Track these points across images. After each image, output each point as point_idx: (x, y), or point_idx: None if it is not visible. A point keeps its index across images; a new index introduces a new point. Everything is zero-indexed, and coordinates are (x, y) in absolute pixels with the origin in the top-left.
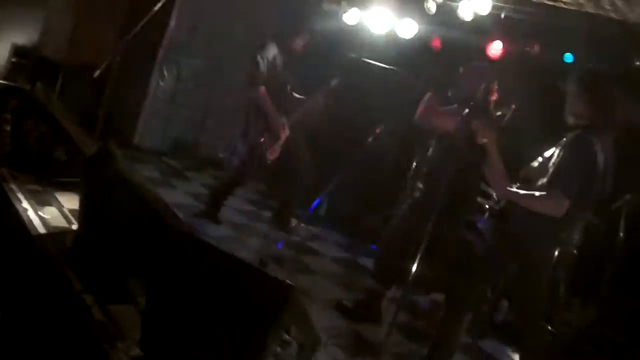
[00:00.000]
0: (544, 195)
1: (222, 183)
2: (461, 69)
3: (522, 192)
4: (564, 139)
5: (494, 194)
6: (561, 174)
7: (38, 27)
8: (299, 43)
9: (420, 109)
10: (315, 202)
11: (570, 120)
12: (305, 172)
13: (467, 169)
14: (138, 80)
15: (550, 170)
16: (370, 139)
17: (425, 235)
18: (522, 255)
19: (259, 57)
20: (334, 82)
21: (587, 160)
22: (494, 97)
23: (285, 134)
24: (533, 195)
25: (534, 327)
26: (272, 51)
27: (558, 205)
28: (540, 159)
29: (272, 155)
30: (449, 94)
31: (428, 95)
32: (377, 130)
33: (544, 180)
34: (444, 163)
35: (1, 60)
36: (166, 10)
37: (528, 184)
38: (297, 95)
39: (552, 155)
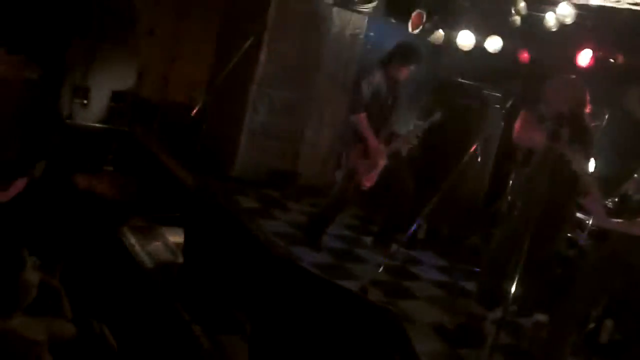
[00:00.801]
0: None
1: (322, 210)
2: (548, 84)
3: (620, 221)
4: None
5: None
6: None
7: (134, 71)
8: (404, 72)
9: (516, 127)
10: (413, 227)
11: None
12: (407, 198)
13: (564, 185)
14: (233, 115)
15: None
16: (465, 159)
17: (525, 254)
18: (626, 273)
19: (363, 83)
20: (435, 116)
21: None
22: (588, 109)
23: (383, 161)
24: (634, 223)
25: None
26: (377, 77)
27: None
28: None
29: (368, 182)
30: (543, 111)
31: (522, 113)
32: (473, 149)
33: None
34: (542, 180)
35: (102, 106)
36: (255, 45)
37: (627, 201)
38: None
39: None
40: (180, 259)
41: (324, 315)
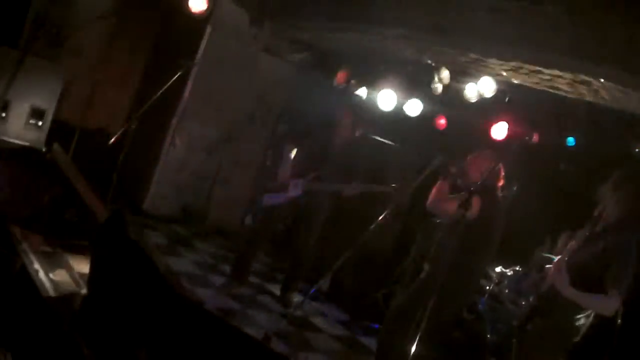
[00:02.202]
0: (604, 297)
1: (245, 246)
2: (469, 156)
3: (582, 293)
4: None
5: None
6: (618, 277)
7: (57, 90)
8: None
9: (431, 195)
10: (316, 286)
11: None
12: (307, 253)
13: (472, 251)
14: (151, 147)
15: (600, 268)
16: (375, 223)
17: (427, 316)
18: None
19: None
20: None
21: (636, 263)
22: (501, 181)
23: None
24: (592, 296)
25: None
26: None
27: (614, 306)
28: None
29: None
30: (458, 181)
31: (438, 182)
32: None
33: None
34: (451, 247)
35: (20, 121)
36: (182, 79)
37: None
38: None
39: (597, 252)
40: (84, 290)
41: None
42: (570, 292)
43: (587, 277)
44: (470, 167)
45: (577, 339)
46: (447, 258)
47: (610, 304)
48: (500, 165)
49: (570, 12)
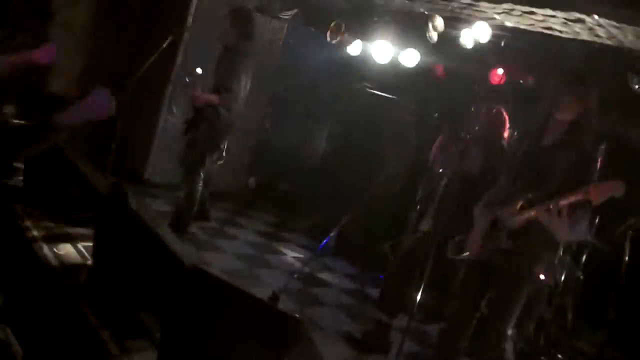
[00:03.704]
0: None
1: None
2: (473, 109)
3: None
4: None
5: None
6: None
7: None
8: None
9: (433, 151)
10: (325, 240)
11: None
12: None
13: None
14: (148, 115)
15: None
16: (379, 179)
17: (431, 265)
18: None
19: None
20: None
21: None
22: (505, 129)
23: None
24: None
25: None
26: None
27: None
28: None
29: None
30: (460, 133)
31: (440, 137)
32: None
33: None
34: (453, 199)
35: (13, 99)
36: (173, 45)
37: None
38: None
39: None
40: (89, 262)
41: (233, 321)
42: None
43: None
44: (475, 119)
45: None
46: (451, 210)
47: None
48: (501, 111)
49: None
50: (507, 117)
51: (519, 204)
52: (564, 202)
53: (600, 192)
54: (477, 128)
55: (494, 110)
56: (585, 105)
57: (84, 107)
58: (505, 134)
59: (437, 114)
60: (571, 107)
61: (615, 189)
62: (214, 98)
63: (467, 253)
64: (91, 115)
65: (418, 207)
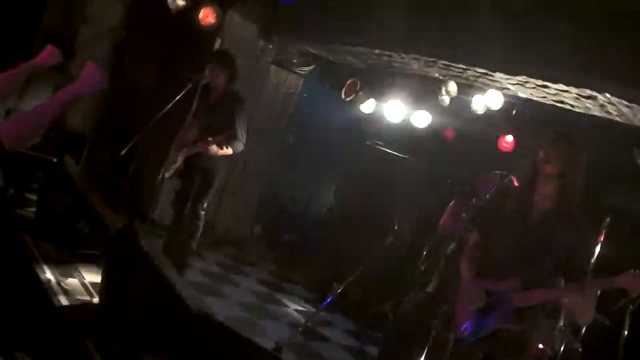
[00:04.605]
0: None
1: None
2: (478, 177)
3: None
4: None
5: None
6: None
7: None
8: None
9: (444, 217)
10: (330, 298)
11: None
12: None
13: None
14: (160, 158)
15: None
16: (390, 239)
17: (433, 329)
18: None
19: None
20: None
21: None
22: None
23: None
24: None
25: None
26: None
27: None
28: None
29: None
30: (473, 200)
31: (451, 204)
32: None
33: None
34: (460, 264)
35: None
36: (191, 92)
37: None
38: None
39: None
40: (96, 299)
41: None
42: None
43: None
44: (480, 187)
45: None
46: (455, 273)
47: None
48: (512, 180)
49: (577, 29)
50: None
51: (517, 280)
52: (597, 289)
53: (637, 283)
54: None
55: (506, 180)
56: (570, 165)
57: (77, 83)
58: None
59: (450, 180)
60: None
61: None
62: (227, 151)
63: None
64: (84, 90)
65: (422, 268)
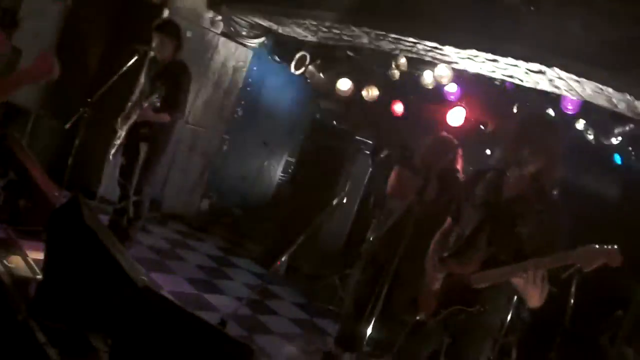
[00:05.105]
0: None
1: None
2: (424, 140)
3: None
4: None
5: None
6: None
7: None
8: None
9: (390, 181)
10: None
11: None
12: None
13: (427, 236)
14: (106, 132)
15: None
16: (330, 207)
17: (383, 298)
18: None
19: None
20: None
21: None
22: (460, 164)
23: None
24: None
25: None
26: None
27: None
28: None
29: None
30: (416, 166)
31: (396, 168)
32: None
33: None
34: (406, 229)
35: None
36: (138, 64)
37: None
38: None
39: None
40: (39, 276)
41: (184, 345)
42: None
43: None
44: (426, 150)
45: None
46: (403, 242)
47: None
48: (458, 148)
49: (527, 3)
50: (459, 149)
51: (480, 261)
52: (544, 267)
53: (592, 259)
54: (423, 155)
55: (440, 137)
56: (550, 154)
57: (30, 70)
58: (459, 166)
59: (386, 148)
60: (537, 160)
61: (610, 257)
62: (164, 116)
63: (422, 315)
64: (37, 75)
65: (370, 238)
